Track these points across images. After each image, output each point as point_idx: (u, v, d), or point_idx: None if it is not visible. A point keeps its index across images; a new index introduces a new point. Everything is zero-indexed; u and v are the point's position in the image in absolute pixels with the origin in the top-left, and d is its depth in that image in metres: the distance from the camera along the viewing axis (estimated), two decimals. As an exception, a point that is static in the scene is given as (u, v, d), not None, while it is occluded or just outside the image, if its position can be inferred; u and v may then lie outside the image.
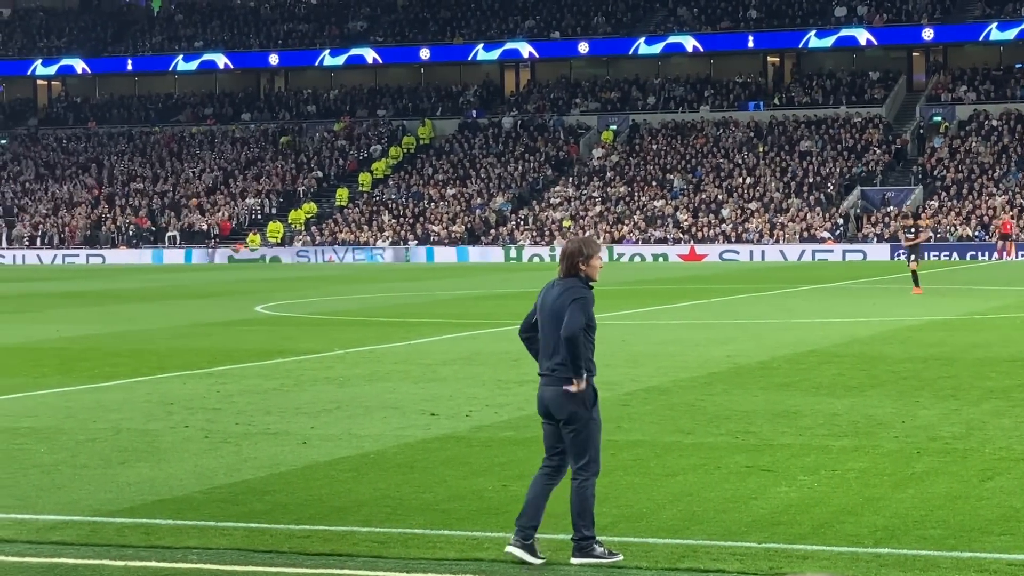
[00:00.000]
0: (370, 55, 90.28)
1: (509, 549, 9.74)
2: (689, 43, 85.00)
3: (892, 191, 74.72)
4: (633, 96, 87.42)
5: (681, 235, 73.05)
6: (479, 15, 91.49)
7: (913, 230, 39.62)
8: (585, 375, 9.73)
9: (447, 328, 29.02)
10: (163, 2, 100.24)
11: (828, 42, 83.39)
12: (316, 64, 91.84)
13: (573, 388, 9.70)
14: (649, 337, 26.51)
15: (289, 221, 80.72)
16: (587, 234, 73.44)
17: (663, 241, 72.85)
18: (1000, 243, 66.40)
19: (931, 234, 40.12)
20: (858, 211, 73.58)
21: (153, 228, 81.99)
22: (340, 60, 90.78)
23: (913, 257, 38.68)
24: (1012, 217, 68.89)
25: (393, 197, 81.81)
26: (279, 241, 78.82)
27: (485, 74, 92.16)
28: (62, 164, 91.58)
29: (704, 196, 76.37)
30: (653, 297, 39.40)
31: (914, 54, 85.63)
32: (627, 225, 74.56)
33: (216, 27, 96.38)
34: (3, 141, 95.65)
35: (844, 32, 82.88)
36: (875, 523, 10.73)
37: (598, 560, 9.63)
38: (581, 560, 9.64)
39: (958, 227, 69.69)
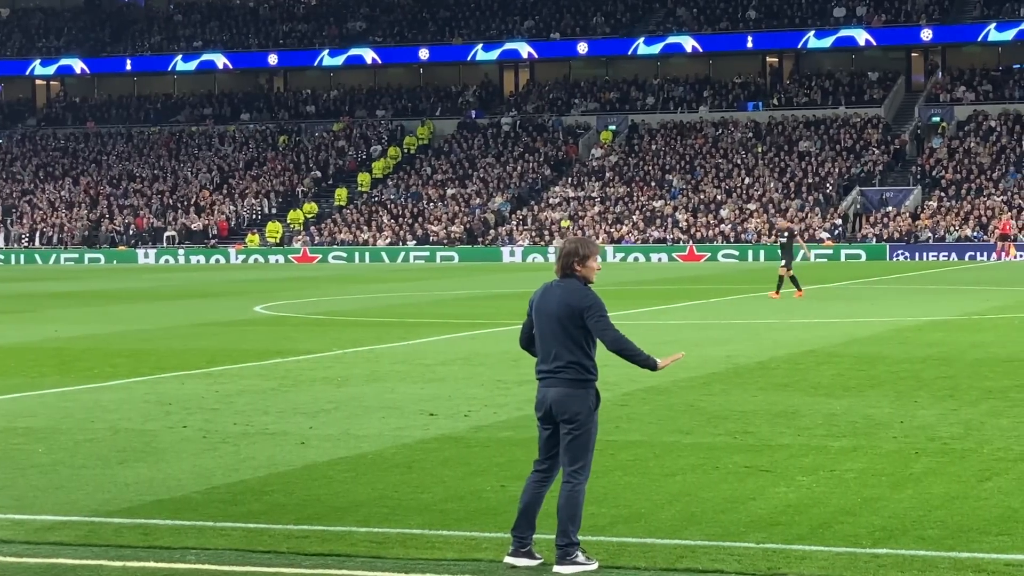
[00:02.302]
0: (369, 55, 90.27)
1: (508, 560, 9.65)
2: (688, 43, 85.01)
3: (891, 191, 74.74)
4: (632, 96, 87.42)
5: (680, 235, 73.05)
6: (478, 15, 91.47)
7: (787, 233, 37.89)
8: (654, 361, 9.98)
9: (446, 328, 29.01)
10: None
11: (827, 42, 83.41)
12: (315, 64, 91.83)
13: (667, 362, 10.00)
14: (648, 337, 26.45)
15: (288, 221, 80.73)
16: (586, 234, 73.46)
17: (662, 241, 72.85)
18: (999, 243, 66.42)
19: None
20: (857, 210, 73.60)
21: (152, 228, 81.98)
22: (339, 60, 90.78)
23: (784, 262, 37.29)
24: (1011, 218, 68.92)
25: (392, 197, 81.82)
26: (278, 241, 78.80)
27: (484, 74, 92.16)
28: (61, 164, 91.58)
29: (703, 196, 76.37)
30: (652, 297, 39.38)
31: (913, 55, 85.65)
32: (626, 225, 74.56)
33: (215, 27, 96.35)
34: (1, 141, 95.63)
35: (843, 32, 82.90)
36: (873, 523, 10.72)
37: (583, 568, 9.51)
38: (570, 569, 9.50)
39: (957, 227, 69.71)
